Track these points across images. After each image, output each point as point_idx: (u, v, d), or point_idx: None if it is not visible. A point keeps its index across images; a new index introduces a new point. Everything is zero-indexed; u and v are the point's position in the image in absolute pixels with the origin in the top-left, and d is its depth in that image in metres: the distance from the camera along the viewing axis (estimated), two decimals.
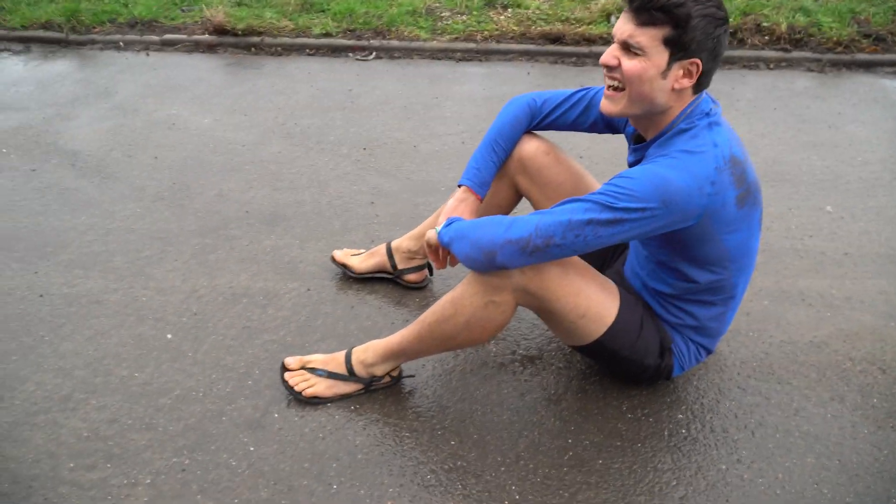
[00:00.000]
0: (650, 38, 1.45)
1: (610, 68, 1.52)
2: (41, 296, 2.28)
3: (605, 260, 2.02)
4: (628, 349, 1.73)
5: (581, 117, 1.89)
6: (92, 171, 2.96)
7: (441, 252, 1.74)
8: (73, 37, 4.23)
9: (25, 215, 2.68)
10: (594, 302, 1.65)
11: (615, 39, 1.51)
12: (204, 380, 1.96)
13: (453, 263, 1.80)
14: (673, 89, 1.50)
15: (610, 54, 1.51)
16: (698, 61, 1.47)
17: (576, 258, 1.66)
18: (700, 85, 1.52)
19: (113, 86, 3.70)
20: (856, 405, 1.90)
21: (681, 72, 1.49)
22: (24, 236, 2.55)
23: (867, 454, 1.77)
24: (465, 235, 1.59)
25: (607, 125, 1.88)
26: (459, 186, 1.91)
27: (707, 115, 1.54)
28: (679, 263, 1.66)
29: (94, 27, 4.33)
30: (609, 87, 1.56)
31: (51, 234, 2.57)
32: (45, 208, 2.72)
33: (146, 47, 4.15)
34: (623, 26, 1.48)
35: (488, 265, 1.56)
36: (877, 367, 2.01)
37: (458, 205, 1.88)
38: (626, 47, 1.48)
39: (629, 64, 1.48)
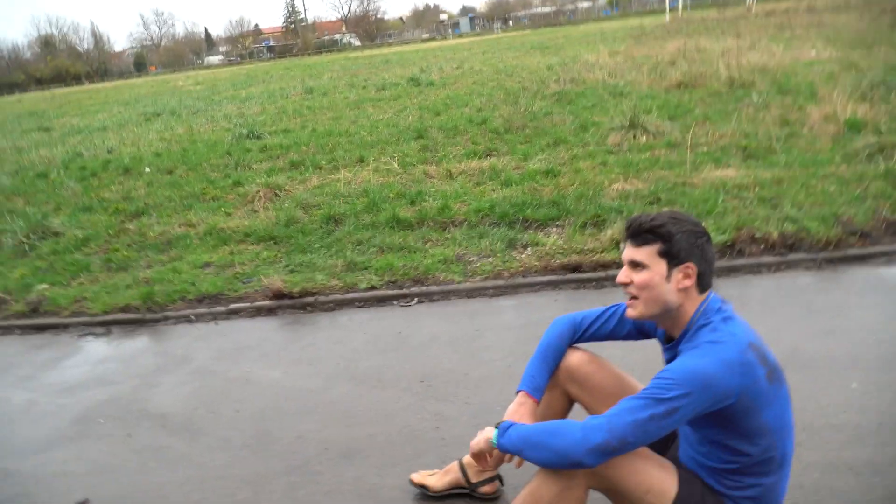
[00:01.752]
0: (648, 254, 1.93)
1: (625, 285, 1.98)
2: None
3: (659, 450, 2.25)
4: None
5: (616, 328, 2.26)
6: (181, 429, 3.28)
7: (492, 457, 2.01)
8: (149, 315, 4.79)
9: (127, 475, 2.96)
10: (656, 478, 1.89)
11: (624, 262, 1.99)
12: None
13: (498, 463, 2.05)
14: (679, 290, 1.93)
15: (623, 274, 1.99)
16: (692, 265, 1.91)
17: None
18: (702, 285, 1.94)
19: (189, 353, 4.15)
20: None
21: (680, 275, 1.92)
22: (129, 493, 2.82)
23: None
24: (542, 444, 1.87)
25: (640, 332, 2.25)
26: (518, 392, 2.22)
27: (719, 311, 1.91)
28: (730, 440, 1.92)
29: (167, 305, 4.90)
30: (627, 296, 1.98)
31: (153, 490, 2.83)
32: (142, 467, 3.01)
33: (215, 317, 4.68)
34: (627, 251, 1.98)
35: (570, 467, 1.84)
36: None
37: (517, 408, 2.18)
38: (633, 265, 1.95)
39: (639, 277, 1.94)
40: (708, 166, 6.25)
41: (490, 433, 2.01)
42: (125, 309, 4.89)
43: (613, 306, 2.29)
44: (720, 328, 1.88)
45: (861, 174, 5.51)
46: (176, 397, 3.61)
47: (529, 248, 5.04)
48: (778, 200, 5.18)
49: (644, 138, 7.50)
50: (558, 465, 1.85)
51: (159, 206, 7.22)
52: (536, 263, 4.78)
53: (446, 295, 4.59)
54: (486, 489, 2.51)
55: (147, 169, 9.02)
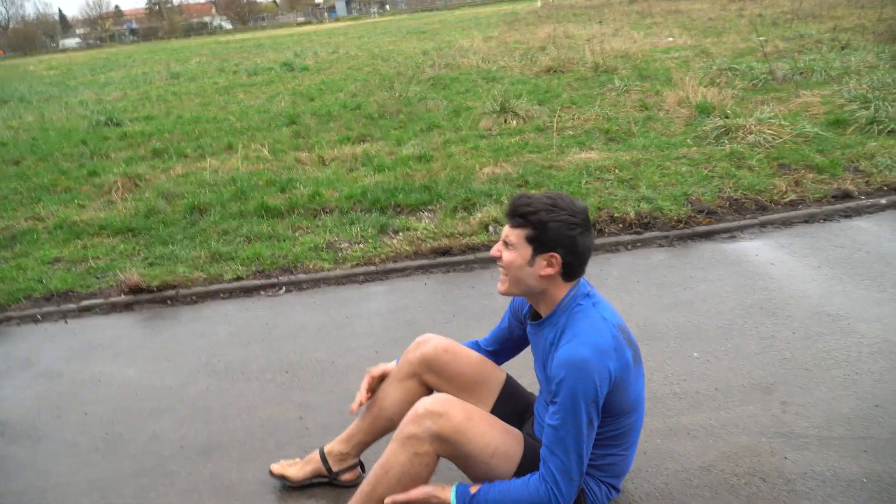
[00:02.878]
0: (517, 237, 1.98)
1: (496, 259, 2.02)
2: None
3: (517, 426, 2.31)
4: None
5: (511, 323, 2.33)
6: (22, 436, 3.05)
7: None
8: None
9: None
10: (500, 441, 1.95)
11: (502, 236, 2.03)
12: None
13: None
14: (540, 275, 1.97)
15: (495, 248, 2.05)
16: (556, 255, 1.95)
17: (477, 408, 1.99)
18: (569, 274, 1.99)
19: (34, 356, 3.86)
20: None
21: (544, 262, 1.97)
22: None
23: None
24: None
25: (517, 319, 2.30)
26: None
27: (588, 296, 1.98)
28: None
29: (10, 305, 4.53)
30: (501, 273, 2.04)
31: None
32: None
33: (64, 316, 4.38)
34: (506, 227, 2.02)
35: None
36: (758, 478, 2.33)
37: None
38: (506, 243, 1.99)
39: (506, 255, 2.00)
40: (573, 149, 6.48)
41: (447, 496, 1.96)
42: None
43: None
44: (591, 314, 1.94)
45: (709, 155, 5.89)
46: (17, 403, 3.35)
47: (401, 234, 5.04)
48: (635, 182, 5.45)
49: (514, 122, 7.68)
50: None
51: (3, 199, 6.67)
52: (408, 248, 4.79)
53: (316, 283, 4.51)
54: (347, 476, 2.48)
55: None
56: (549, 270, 1.97)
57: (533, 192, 2.25)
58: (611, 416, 1.96)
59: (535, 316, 2.12)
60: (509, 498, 1.90)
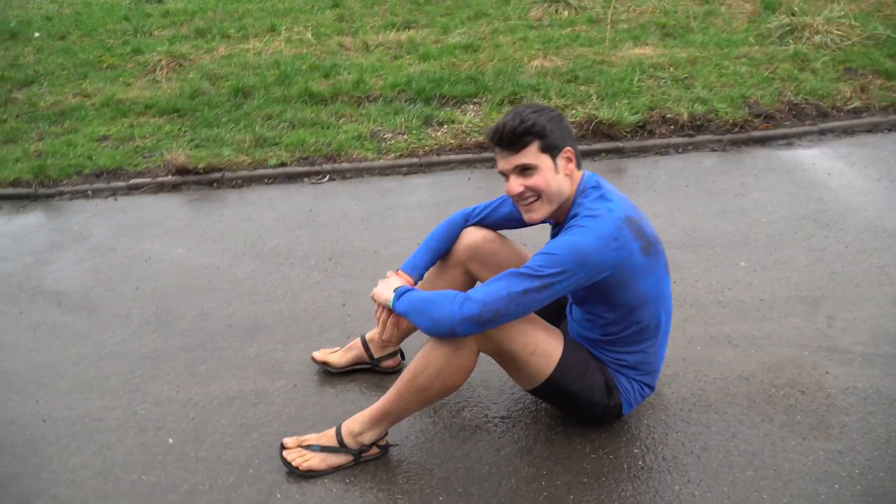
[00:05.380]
0: (532, 155, 1.91)
1: (520, 194, 1.94)
2: (44, 421, 2.45)
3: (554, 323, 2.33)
4: (577, 385, 2.01)
5: (511, 213, 2.26)
6: (78, 307, 3.18)
7: (387, 316, 2.05)
8: (41, 191, 4.52)
9: (19, 353, 2.87)
10: (541, 339, 1.96)
11: (506, 173, 1.94)
12: (208, 474, 2.15)
13: (398, 335, 2.11)
14: (566, 175, 1.94)
15: (514, 184, 1.94)
16: (570, 148, 1.93)
17: None
18: (578, 163, 1.97)
19: (87, 230, 3.97)
20: (783, 423, 2.19)
21: (563, 161, 1.93)
22: (22, 370, 2.74)
23: (797, 462, 2.05)
24: (424, 311, 1.90)
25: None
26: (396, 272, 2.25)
27: (596, 187, 1.94)
28: (607, 312, 1.99)
29: (62, 180, 4.62)
30: (525, 204, 1.96)
31: (46, 367, 2.76)
32: (37, 344, 2.92)
33: (113, 193, 4.46)
34: (507, 160, 1.93)
35: (449, 336, 1.86)
36: (797, 390, 2.33)
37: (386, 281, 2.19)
38: (522, 170, 1.91)
39: (532, 180, 1.92)
40: (627, 44, 6.18)
41: (390, 294, 2.02)
42: (15, 183, 4.59)
43: (505, 195, 2.28)
44: (597, 204, 1.90)
45: (772, 55, 5.57)
46: (72, 275, 3.48)
47: (445, 126, 4.95)
48: (690, 81, 5.21)
49: (566, 13, 7.32)
50: (436, 333, 1.88)
51: (51, 74, 6.65)
52: (452, 141, 4.71)
53: (359, 172, 4.50)
54: (388, 363, 2.55)
55: (37, 34, 8.24)
56: (571, 166, 1.95)
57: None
58: (622, 308, 1.96)
59: (555, 224, 2.09)
60: (429, 296, 1.92)
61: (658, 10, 7.16)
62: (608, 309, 1.98)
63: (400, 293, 1.99)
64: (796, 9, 6.38)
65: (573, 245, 1.81)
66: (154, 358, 2.76)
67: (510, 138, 1.89)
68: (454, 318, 1.83)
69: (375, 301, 2.10)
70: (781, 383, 2.36)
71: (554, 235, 2.09)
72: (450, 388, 1.99)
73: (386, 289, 2.07)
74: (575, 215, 1.92)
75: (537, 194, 1.93)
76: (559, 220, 2.03)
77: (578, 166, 1.98)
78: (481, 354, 1.98)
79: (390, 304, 2.01)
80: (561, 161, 1.93)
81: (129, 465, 2.22)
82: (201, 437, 2.31)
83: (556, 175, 1.92)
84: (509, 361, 1.99)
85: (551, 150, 1.90)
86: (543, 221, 2.22)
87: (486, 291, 1.84)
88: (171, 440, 2.31)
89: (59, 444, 2.33)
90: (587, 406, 2.07)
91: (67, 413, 2.48)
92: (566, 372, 1.99)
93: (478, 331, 1.85)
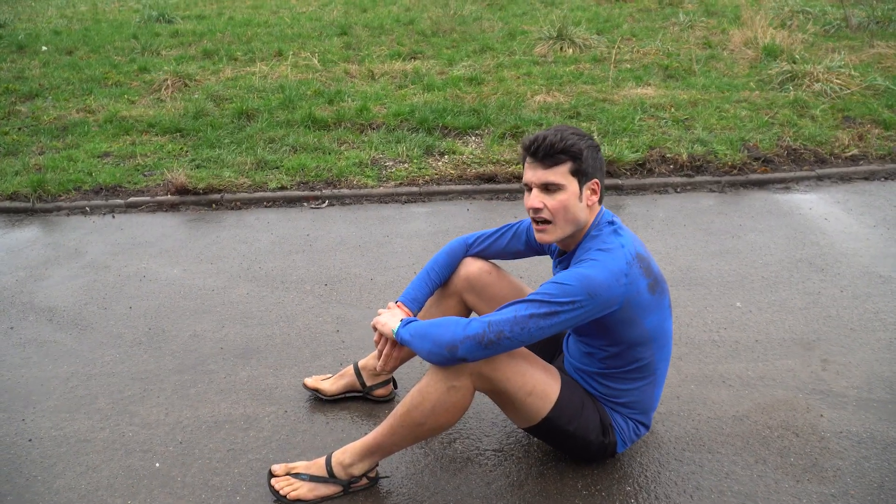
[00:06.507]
0: (561, 175, 1.89)
1: (537, 210, 1.91)
2: (30, 440, 2.42)
3: (548, 359, 2.32)
4: (573, 425, 1.99)
5: (510, 243, 2.27)
6: (69, 324, 3.16)
7: (389, 348, 2.03)
8: (39, 205, 4.52)
9: (7, 369, 2.84)
10: (539, 381, 1.94)
11: (532, 185, 1.92)
12: (194, 499, 2.12)
13: (393, 364, 2.08)
14: (588, 206, 1.93)
15: (535, 198, 1.92)
16: (598, 181, 1.91)
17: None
18: (601, 198, 1.96)
19: (82, 247, 3.96)
20: (777, 465, 2.17)
21: (589, 192, 1.92)
22: (8, 388, 2.71)
23: None
24: (426, 334, 1.87)
25: (534, 249, 2.26)
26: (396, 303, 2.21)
27: (611, 223, 1.93)
28: (608, 346, 1.98)
29: (60, 195, 4.63)
30: (538, 222, 1.94)
31: (34, 384, 2.73)
32: (25, 361, 2.89)
33: (111, 210, 4.46)
34: (535, 173, 1.91)
35: (450, 359, 1.84)
36: (791, 432, 2.31)
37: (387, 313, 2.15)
38: (546, 188, 1.88)
39: (554, 201, 1.90)
40: (629, 83, 6.26)
41: (396, 324, 1.99)
42: (13, 196, 4.60)
43: (508, 224, 2.29)
44: (610, 239, 1.90)
45: (772, 101, 5.65)
46: (65, 292, 3.46)
47: (446, 156, 4.98)
48: (691, 122, 5.27)
49: (570, 51, 7.42)
50: (438, 354, 1.84)
51: (56, 88, 6.71)
52: (452, 171, 4.74)
53: (358, 199, 4.51)
54: (380, 392, 2.53)
55: (45, 48, 8.31)
56: (595, 198, 1.95)
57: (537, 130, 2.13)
58: (623, 343, 1.94)
59: (561, 253, 2.08)
60: (434, 321, 1.89)
61: (661, 52, 7.28)
62: (609, 343, 1.96)
63: (405, 322, 1.98)
64: (797, 57, 6.49)
65: (585, 277, 1.80)
66: (144, 379, 2.73)
67: (546, 151, 1.87)
68: (457, 337, 1.80)
69: (377, 330, 2.07)
70: (775, 425, 2.35)
71: (557, 265, 2.08)
72: (443, 425, 1.96)
73: (391, 318, 2.04)
74: (586, 248, 1.92)
75: (550, 219, 1.91)
76: (567, 249, 2.03)
77: (600, 200, 1.98)
78: None
79: (394, 332, 1.98)
80: (587, 190, 1.92)
81: (114, 488, 2.18)
82: (188, 461, 2.28)
83: (577, 202, 1.91)
84: (506, 401, 1.97)
85: (581, 175, 1.90)
86: (544, 249, 2.22)
87: (492, 314, 1.83)
88: (157, 464, 2.27)
89: (43, 465, 2.29)
90: (582, 444, 2.05)
91: (54, 433, 2.45)
92: (563, 412, 1.97)
93: (479, 353, 1.82)
